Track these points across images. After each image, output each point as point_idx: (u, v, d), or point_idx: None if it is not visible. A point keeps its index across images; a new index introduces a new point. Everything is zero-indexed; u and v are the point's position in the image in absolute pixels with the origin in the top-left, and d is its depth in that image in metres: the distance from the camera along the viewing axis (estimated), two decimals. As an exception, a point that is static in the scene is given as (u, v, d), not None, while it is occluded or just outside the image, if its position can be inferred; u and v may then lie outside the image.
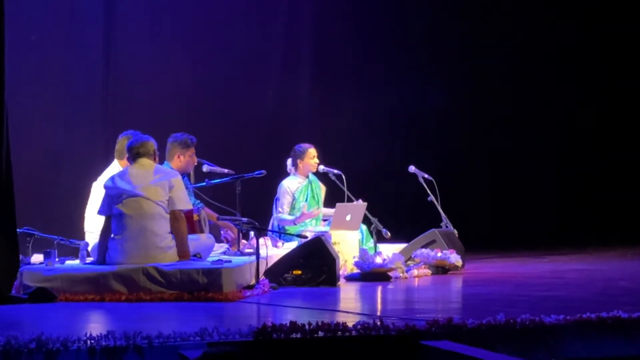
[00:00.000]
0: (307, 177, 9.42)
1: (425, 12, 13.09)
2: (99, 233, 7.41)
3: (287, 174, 9.47)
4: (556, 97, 13.76)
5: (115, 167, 7.94)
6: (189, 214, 7.58)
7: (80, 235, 8.10)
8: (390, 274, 8.24)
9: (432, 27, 13.13)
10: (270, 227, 9.17)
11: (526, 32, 13.55)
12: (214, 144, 10.30)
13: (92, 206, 7.84)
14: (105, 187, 7.19)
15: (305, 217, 9.08)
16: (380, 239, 8.99)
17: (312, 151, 9.40)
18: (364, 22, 12.78)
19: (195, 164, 8.51)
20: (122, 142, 7.94)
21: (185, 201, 7.20)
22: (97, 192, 7.77)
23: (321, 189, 9.51)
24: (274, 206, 9.37)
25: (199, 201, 8.31)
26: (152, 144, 7.27)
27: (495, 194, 13.28)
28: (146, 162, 7.17)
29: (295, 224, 9.07)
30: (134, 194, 7.00)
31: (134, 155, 7.21)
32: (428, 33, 13.10)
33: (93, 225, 7.76)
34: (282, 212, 9.25)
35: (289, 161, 9.44)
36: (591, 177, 13.75)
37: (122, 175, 7.17)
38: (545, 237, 13.01)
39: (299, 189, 9.33)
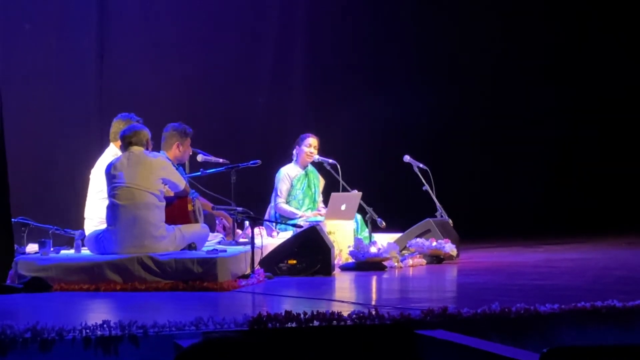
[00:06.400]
0: (306, 167, 9.42)
1: (418, 19, 13.08)
2: (98, 220, 7.41)
3: (282, 164, 9.48)
4: (551, 89, 13.79)
5: (111, 150, 7.94)
6: (183, 203, 7.57)
7: (76, 224, 8.09)
8: (385, 263, 8.24)
9: (425, 33, 13.12)
10: (267, 216, 9.16)
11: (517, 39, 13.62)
12: (208, 133, 10.27)
13: (92, 193, 7.84)
14: (105, 174, 7.22)
15: (306, 217, 9.10)
16: (375, 228, 9.00)
17: (310, 140, 9.40)
18: (355, 27, 12.78)
19: (190, 154, 8.52)
20: (116, 124, 7.95)
21: (179, 179, 7.35)
22: (96, 179, 7.78)
23: (319, 181, 9.50)
24: (273, 195, 9.36)
25: (193, 190, 8.30)
26: (146, 133, 7.27)
27: (490, 183, 13.28)
28: (137, 150, 7.17)
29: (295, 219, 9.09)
30: (126, 183, 7.00)
31: (126, 144, 7.21)
32: (421, 39, 13.10)
33: (92, 211, 7.77)
34: (281, 196, 9.25)
35: (295, 149, 9.48)
36: (585, 166, 13.78)
37: (115, 164, 7.16)
38: (540, 226, 13.02)
39: (297, 177, 9.33)
